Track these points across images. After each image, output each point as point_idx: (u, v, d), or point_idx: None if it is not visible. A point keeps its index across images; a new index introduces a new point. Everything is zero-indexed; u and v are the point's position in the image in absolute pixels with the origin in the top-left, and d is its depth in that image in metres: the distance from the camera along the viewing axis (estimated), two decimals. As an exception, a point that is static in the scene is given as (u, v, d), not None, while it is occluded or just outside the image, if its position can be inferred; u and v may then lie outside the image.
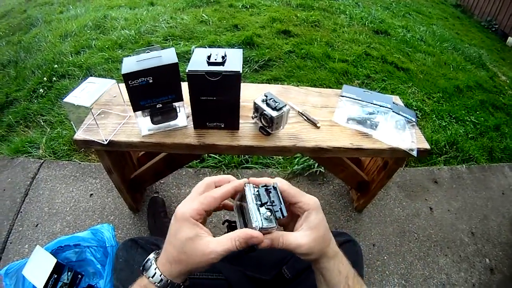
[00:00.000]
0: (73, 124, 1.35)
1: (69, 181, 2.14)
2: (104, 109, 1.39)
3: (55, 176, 2.17)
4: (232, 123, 1.33)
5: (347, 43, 4.13)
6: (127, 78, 1.07)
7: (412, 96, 3.49)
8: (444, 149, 2.96)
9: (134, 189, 1.84)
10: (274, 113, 1.24)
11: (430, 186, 2.60)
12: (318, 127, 1.41)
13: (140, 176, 1.76)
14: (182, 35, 3.69)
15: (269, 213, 0.60)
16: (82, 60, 3.21)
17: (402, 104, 1.70)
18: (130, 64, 1.10)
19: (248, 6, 4.64)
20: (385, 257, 2.05)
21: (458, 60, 4.74)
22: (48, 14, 4.59)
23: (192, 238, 0.59)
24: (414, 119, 1.53)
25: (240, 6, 4.60)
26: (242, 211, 0.67)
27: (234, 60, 1.18)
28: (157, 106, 1.21)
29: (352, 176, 1.90)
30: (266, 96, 1.28)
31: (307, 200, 0.66)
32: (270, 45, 3.66)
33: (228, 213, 0.82)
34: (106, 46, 3.41)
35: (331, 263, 0.66)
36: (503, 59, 6.08)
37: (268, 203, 0.62)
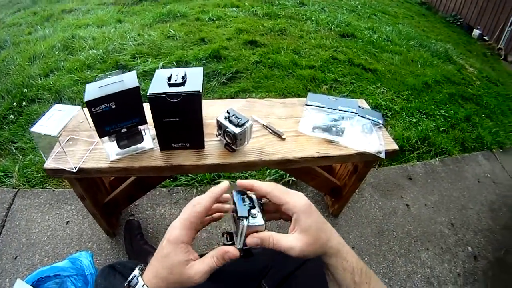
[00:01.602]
0: (42, 153, 1.34)
1: (44, 209, 2.10)
2: (72, 136, 1.39)
3: (30, 205, 2.13)
4: (197, 143, 1.34)
5: (314, 49, 4.17)
6: (90, 105, 1.08)
7: (381, 96, 3.53)
8: (416, 145, 3.00)
9: (108, 214, 1.82)
10: (236, 130, 1.24)
11: (405, 183, 2.63)
12: (284, 139, 1.42)
13: (113, 200, 1.74)
14: (150, 52, 3.66)
15: (254, 211, 0.65)
16: (51, 83, 3.15)
17: (368, 107, 1.72)
18: (93, 90, 1.11)
19: (214, 19, 4.64)
20: (366, 259, 2.05)
21: (425, 56, 4.82)
22: (17, 35, 4.49)
23: (183, 262, 0.62)
24: (381, 121, 1.55)
25: (206, 19, 4.60)
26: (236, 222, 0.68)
27: (194, 80, 1.19)
28: (122, 130, 1.21)
29: (324, 183, 1.90)
30: (229, 113, 1.28)
31: (294, 202, 0.66)
32: (237, 56, 3.66)
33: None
34: (75, 67, 3.36)
35: (333, 261, 0.67)
36: (470, 51, 6.23)
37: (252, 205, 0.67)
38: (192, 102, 1.16)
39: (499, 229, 2.51)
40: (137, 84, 1.13)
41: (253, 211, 0.65)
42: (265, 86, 3.28)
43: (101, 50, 3.65)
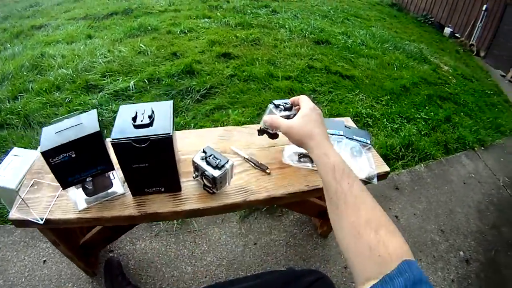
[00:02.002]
0: (4, 203, 1.19)
1: (19, 248, 1.93)
2: (36, 179, 1.23)
3: (4, 243, 1.95)
4: (172, 187, 1.19)
5: (289, 58, 4.09)
6: (47, 156, 0.93)
7: (361, 103, 3.47)
8: (401, 152, 2.95)
9: (86, 255, 1.67)
10: (216, 173, 1.10)
11: (392, 193, 2.57)
12: (269, 173, 1.28)
13: (89, 242, 1.59)
14: (120, 70, 3.50)
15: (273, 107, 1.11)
16: (20, 106, 2.94)
17: (354, 125, 1.62)
18: (49, 137, 0.96)
19: (186, 31, 4.51)
20: (360, 277, 1.97)
21: (401, 58, 4.82)
22: (-15, 54, 4.28)
23: None
24: (369, 142, 1.45)
25: (178, 32, 4.47)
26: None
27: (163, 118, 1.05)
28: (88, 179, 1.06)
29: (311, 207, 1.80)
30: (205, 153, 1.14)
31: (306, 102, 1.00)
32: (210, 71, 3.53)
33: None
34: (44, 89, 3.16)
35: (314, 155, 0.86)
36: (443, 50, 6.30)
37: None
38: (162, 146, 1.02)
39: (488, 229, 2.52)
40: (98, 129, 0.98)
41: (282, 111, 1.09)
42: (241, 101, 3.16)
43: (70, 69, 3.47)
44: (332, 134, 1.40)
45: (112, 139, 0.97)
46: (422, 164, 2.95)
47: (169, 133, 1.00)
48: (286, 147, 1.38)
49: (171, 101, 1.14)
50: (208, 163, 1.11)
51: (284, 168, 1.31)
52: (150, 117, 1.03)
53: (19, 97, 3.14)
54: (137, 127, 1.01)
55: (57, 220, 1.11)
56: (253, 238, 2.03)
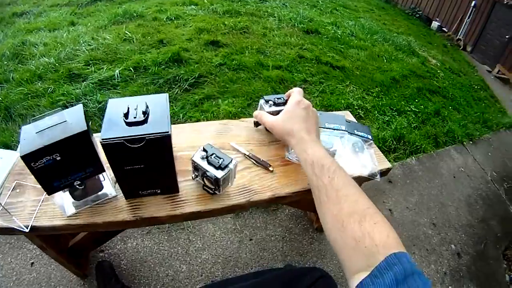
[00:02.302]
0: None
1: (5, 250, 1.82)
2: (18, 181, 1.10)
3: None
4: (169, 188, 1.09)
5: (279, 47, 4.02)
6: (28, 160, 0.82)
7: (352, 95, 3.44)
8: (392, 145, 2.94)
9: (75, 257, 1.58)
10: (219, 174, 1.01)
11: (386, 187, 2.56)
12: (271, 171, 1.19)
13: (78, 245, 1.50)
14: (105, 58, 3.36)
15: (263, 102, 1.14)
16: (0, 98, 2.80)
17: (354, 119, 1.57)
18: (29, 138, 0.84)
19: (173, 18, 4.38)
20: (354, 271, 1.95)
21: (390, 50, 4.83)
22: (-36, 43, 4.07)
23: None
24: (370, 137, 1.40)
25: (164, 19, 4.33)
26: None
27: (159, 114, 0.94)
28: (75, 183, 0.94)
29: (309, 203, 1.74)
30: (206, 151, 1.04)
31: (293, 97, 0.98)
32: (199, 59, 3.43)
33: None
34: (25, 79, 3.01)
35: (296, 151, 0.89)
36: (430, 43, 6.34)
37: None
38: (160, 145, 0.91)
39: (477, 223, 2.58)
40: (85, 127, 0.86)
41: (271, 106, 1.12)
42: (231, 91, 3.08)
43: (52, 58, 3.31)
44: (334, 129, 1.34)
45: (102, 139, 0.86)
46: (413, 157, 2.97)
47: (168, 132, 0.89)
48: (288, 143, 1.32)
49: (167, 94, 1.02)
50: (210, 163, 1.02)
51: (287, 165, 1.24)
52: (144, 113, 0.92)
53: (-1, 87, 2.99)
54: (129, 124, 0.90)
55: (43, 227, 1.01)
56: (249, 233, 1.98)
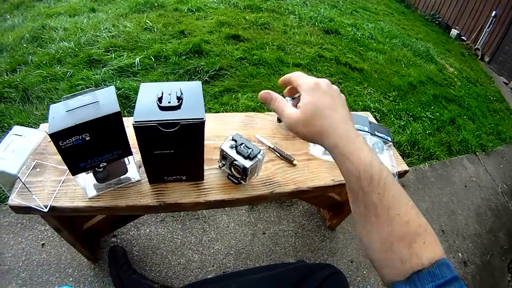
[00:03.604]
0: (2, 187, 1.07)
1: (16, 230, 1.83)
2: (38, 161, 1.11)
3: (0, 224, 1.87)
4: (195, 175, 1.10)
5: (299, 45, 4.01)
6: (57, 139, 0.81)
7: (369, 97, 3.43)
8: (407, 150, 2.93)
9: (88, 240, 1.59)
10: (247, 163, 1.02)
11: (399, 191, 2.55)
12: (294, 165, 1.21)
13: (93, 228, 1.51)
14: (125, 45, 3.37)
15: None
16: (19, 79, 2.79)
17: (375, 122, 1.57)
18: (58, 116, 0.83)
19: (194, 10, 4.37)
20: (364, 272, 1.96)
21: (408, 55, 4.79)
22: (-18, 25, 4.09)
23: None
24: (390, 139, 1.41)
25: (185, 10, 4.32)
26: None
27: (193, 101, 0.94)
28: (101, 165, 0.95)
29: (325, 200, 1.76)
30: (235, 141, 1.06)
31: (302, 82, 0.64)
32: (219, 52, 3.43)
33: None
34: (44, 62, 3.01)
35: (334, 156, 0.63)
36: (449, 51, 6.28)
37: None
38: (193, 132, 0.92)
39: (485, 233, 2.57)
40: (118, 109, 0.86)
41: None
42: (251, 85, 3.08)
43: (72, 43, 3.31)
44: (358, 130, 1.34)
45: (135, 121, 0.86)
46: (426, 163, 2.96)
47: (202, 118, 0.89)
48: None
49: (200, 82, 1.03)
50: (239, 153, 1.04)
51: (310, 160, 1.26)
52: (179, 98, 0.92)
53: (17, 69, 2.98)
54: (163, 108, 0.90)
55: (63, 208, 1.02)
56: (262, 227, 1.99)
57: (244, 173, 1.05)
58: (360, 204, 0.61)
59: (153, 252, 1.77)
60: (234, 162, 1.03)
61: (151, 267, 1.72)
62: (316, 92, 0.63)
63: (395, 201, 0.59)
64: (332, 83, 0.66)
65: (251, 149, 1.03)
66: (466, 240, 2.41)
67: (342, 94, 0.67)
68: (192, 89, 0.98)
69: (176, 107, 0.91)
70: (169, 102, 0.91)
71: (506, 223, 2.81)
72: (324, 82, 0.64)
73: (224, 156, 1.07)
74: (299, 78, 0.66)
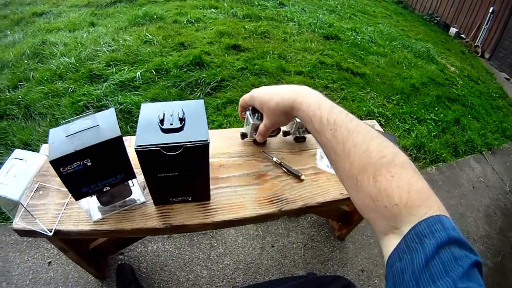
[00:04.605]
0: (6, 211, 1.05)
1: (22, 248, 1.83)
2: (41, 183, 1.09)
3: (6, 242, 1.85)
4: (201, 196, 1.07)
5: (299, 52, 4.00)
6: (57, 166, 0.79)
7: (372, 102, 3.41)
8: (413, 154, 2.92)
9: (95, 259, 1.58)
10: None
11: (406, 196, 2.53)
12: (302, 180, 1.18)
13: (100, 248, 1.50)
14: (126, 59, 3.37)
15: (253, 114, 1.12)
16: (21, 96, 2.80)
17: (381, 129, 1.56)
18: (58, 142, 0.82)
19: (193, 21, 4.37)
20: (376, 281, 1.94)
21: (409, 57, 4.78)
22: (-16, 41, 4.11)
23: None
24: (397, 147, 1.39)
25: (185, 22, 4.32)
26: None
27: (196, 121, 0.92)
28: (104, 189, 0.93)
29: (334, 211, 1.74)
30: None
31: (253, 102, 0.98)
32: (220, 63, 3.42)
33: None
34: (45, 78, 3.01)
35: (297, 116, 0.80)
36: (449, 50, 6.27)
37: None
38: (197, 154, 0.89)
39: (495, 234, 2.55)
40: (119, 133, 0.84)
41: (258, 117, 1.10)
42: (254, 96, 3.05)
43: (73, 58, 3.32)
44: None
45: (137, 146, 0.84)
46: (433, 167, 2.95)
47: (207, 140, 0.87)
48: (319, 151, 1.30)
49: (202, 100, 1.01)
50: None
51: (318, 174, 1.23)
52: (181, 119, 0.90)
53: (19, 86, 2.99)
54: (166, 131, 0.88)
55: (68, 231, 1.00)
56: (271, 240, 1.97)
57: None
58: (323, 147, 0.67)
59: (161, 268, 1.76)
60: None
61: (160, 284, 1.71)
62: (255, 95, 0.94)
63: (349, 134, 0.61)
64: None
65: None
66: (476, 243, 2.39)
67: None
68: (195, 109, 0.96)
69: (179, 129, 0.89)
70: (171, 124, 0.89)
71: (516, 222, 2.77)
72: (256, 88, 0.95)
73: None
74: (248, 100, 0.98)
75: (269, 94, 0.89)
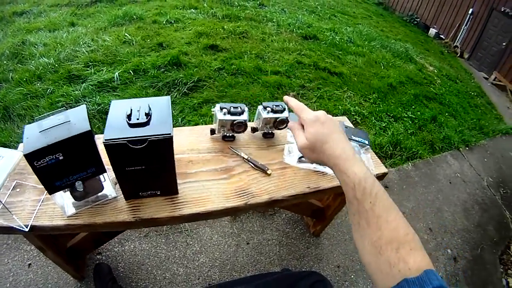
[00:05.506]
0: None
1: (1, 251, 1.80)
2: (18, 180, 1.11)
3: None
4: (169, 190, 1.10)
5: (277, 52, 4.03)
6: (31, 159, 0.83)
7: (349, 101, 3.45)
8: (389, 151, 2.95)
9: (74, 258, 1.57)
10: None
11: (382, 192, 2.56)
12: (269, 174, 1.21)
13: (77, 245, 1.50)
14: (105, 60, 3.35)
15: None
16: None
17: (352, 126, 1.58)
18: (33, 137, 0.85)
19: (172, 21, 4.38)
20: (352, 276, 1.96)
21: (387, 57, 4.85)
22: (-38, 41, 4.04)
23: None
24: (367, 142, 1.42)
25: (164, 22, 4.33)
26: None
27: (161, 116, 0.96)
28: (76, 183, 0.95)
29: (306, 207, 1.76)
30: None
31: (305, 117, 0.82)
32: (198, 63, 3.43)
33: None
34: (24, 79, 2.98)
35: (335, 173, 0.75)
36: (428, 50, 6.37)
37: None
38: (162, 147, 0.93)
39: (473, 228, 2.60)
40: (88, 128, 0.87)
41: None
42: (230, 95, 3.09)
43: (52, 58, 3.29)
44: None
45: (105, 140, 0.87)
46: (409, 163, 2.98)
47: (170, 134, 0.91)
48: (287, 146, 1.33)
49: (169, 97, 1.04)
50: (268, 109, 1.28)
51: (285, 169, 1.25)
52: (147, 114, 0.94)
53: (-2, 87, 2.98)
54: (132, 126, 0.92)
55: (43, 227, 1.02)
56: (246, 237, 1.99)
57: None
58: (355, 211, 0.70)
59: (138, 267, 1.76)
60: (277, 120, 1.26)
61: (137, 283, 1.71)
62: (316, 123, 0.80)
63: (385, 210, 0.67)
64: (328, 113, 0.82)
65: (278, 105, 1.27)
66: (454, 236, 2.43)
67: (336, 120, 0.82)
68: (161, 105, 0.99)
69: (145, 124, 0.92)
70: (137, 119, 0.92)
71: (494, 216, 2.84)
72: (321, 114, 0.81)
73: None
74: (301, 112, 0.84)
75: (325, 136, 0.79)
